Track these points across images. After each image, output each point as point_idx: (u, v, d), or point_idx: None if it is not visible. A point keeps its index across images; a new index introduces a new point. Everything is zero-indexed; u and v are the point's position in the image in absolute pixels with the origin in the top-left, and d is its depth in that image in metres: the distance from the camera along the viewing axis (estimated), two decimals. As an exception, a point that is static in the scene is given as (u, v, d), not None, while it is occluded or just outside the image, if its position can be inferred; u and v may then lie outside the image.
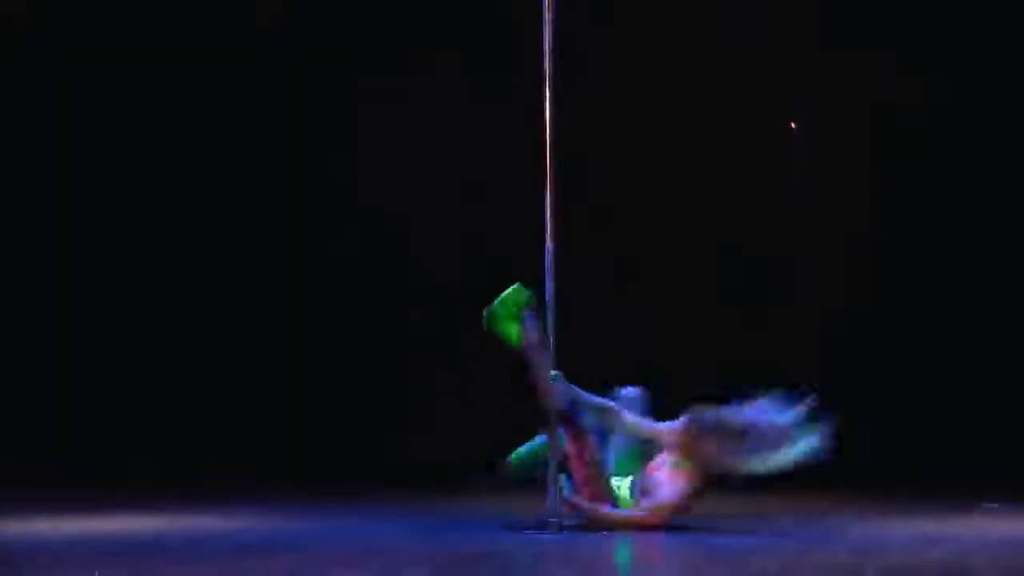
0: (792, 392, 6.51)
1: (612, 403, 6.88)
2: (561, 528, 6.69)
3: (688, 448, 6.69)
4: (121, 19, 10.52)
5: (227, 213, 10.62)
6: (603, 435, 6.88)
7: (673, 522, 6.79)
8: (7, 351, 10.51)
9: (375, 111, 10.49)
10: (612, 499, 6.79)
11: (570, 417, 6.71)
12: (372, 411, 10.71)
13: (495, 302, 6.78)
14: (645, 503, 6.72)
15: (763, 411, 6.61)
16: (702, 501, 6.78)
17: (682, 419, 6.74)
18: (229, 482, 9.38)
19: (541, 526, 6.73)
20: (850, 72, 9.96)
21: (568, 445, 6.72)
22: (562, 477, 6.76)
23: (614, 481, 6.82)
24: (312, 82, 10.52)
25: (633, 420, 6.84)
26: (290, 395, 10.55)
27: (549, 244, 6.75)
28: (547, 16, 6.85)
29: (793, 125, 10.06)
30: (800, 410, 6.55)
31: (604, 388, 6.82)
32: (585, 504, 6.76)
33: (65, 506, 8.01)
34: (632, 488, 6.80)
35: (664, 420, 6.81)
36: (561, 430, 6.71)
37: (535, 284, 6.73)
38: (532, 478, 6.83)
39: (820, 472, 9.37)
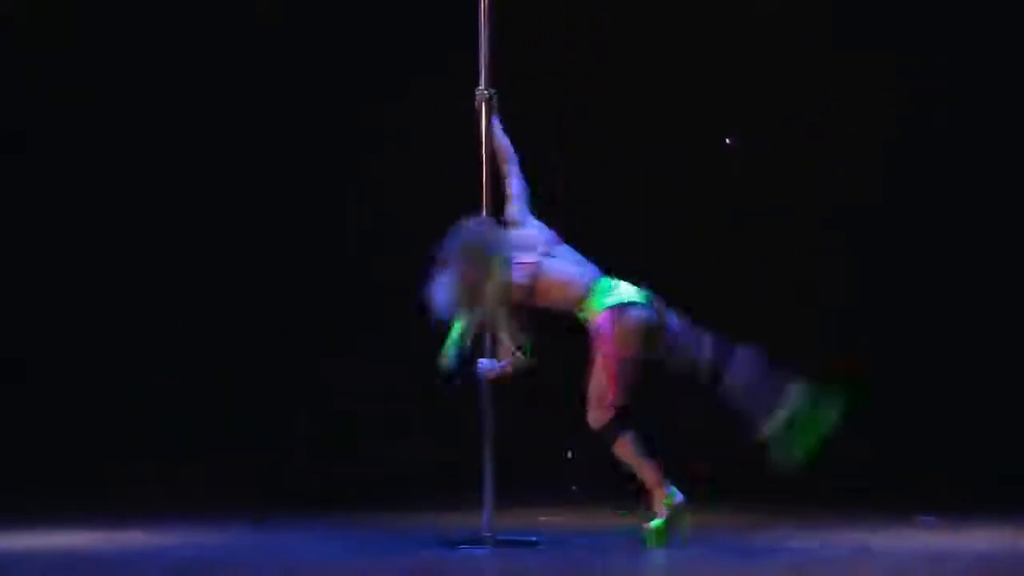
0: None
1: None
2: (495, 542, 6.66)
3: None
4: (121, 20, 10.44)
5: (218, 220, 10.54)
6: None
7: (605, 532, 6.78)
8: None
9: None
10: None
11: None
12: (318, 425, 10.66)
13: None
14: None
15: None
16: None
17: None
18: (167, 497, 9.32)
19: (475, 541, 6.71)
20: (857, 70, 9.98)
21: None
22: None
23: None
24: (311, 87, 10.45)
25: None
26: (239, 411, 10.46)
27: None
28: None
29: (728, 141, 10.09)
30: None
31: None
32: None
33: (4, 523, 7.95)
34: None
35: None
36: None
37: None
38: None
39: (758, 484, 9.42)
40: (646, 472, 6.57)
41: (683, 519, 6.55)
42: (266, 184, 10.56)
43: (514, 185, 6.92)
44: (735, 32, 10.19)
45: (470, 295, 6.58)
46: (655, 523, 6.53)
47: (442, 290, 6.60)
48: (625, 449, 6.55)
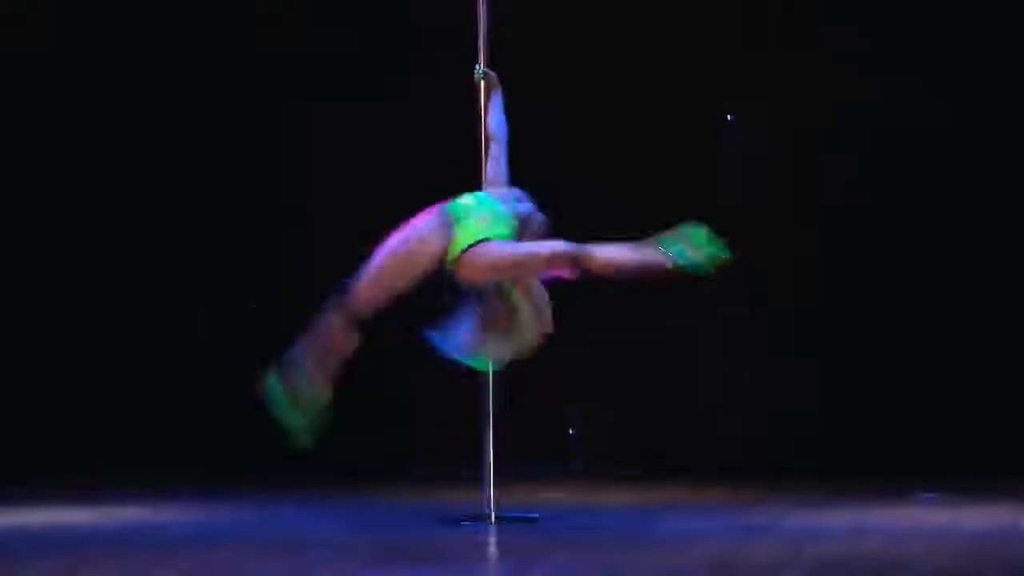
0: None
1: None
2: (496, 519, 6.68)
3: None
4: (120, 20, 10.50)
5: (216, 220, 10.58)
6: None
7: (606, 509, 6.77)
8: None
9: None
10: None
11: None
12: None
13: None
14: None
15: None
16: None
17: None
18: (167, 474, 9.35)
19: (476, 518, 6.72)
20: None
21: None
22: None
23: None
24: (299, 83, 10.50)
25: None
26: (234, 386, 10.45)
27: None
28: None
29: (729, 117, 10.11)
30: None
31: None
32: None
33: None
34: None
35: None
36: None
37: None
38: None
39: (759, 461, 9.44)
40: (638, 252, 6.08)
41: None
42: (265, 183, 10.59)
43: (491, 170, 6.69)
44: (735, 31, 10.22)
45: (497, 331, 6.18)
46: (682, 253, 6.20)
47: (466, 336, 6.20)
48: (609, 257, 6.03)
